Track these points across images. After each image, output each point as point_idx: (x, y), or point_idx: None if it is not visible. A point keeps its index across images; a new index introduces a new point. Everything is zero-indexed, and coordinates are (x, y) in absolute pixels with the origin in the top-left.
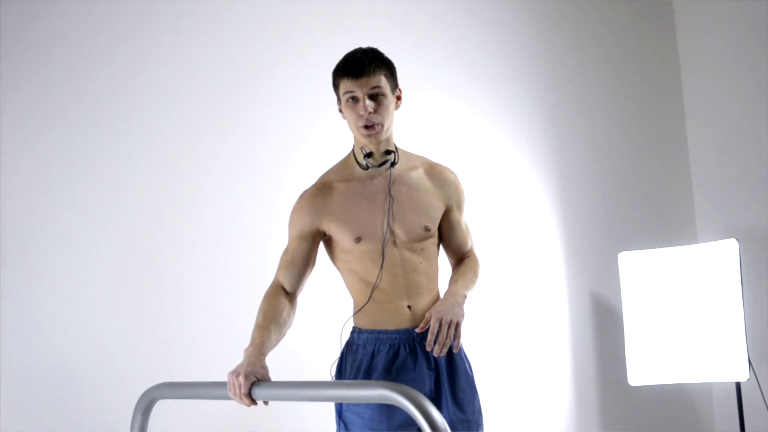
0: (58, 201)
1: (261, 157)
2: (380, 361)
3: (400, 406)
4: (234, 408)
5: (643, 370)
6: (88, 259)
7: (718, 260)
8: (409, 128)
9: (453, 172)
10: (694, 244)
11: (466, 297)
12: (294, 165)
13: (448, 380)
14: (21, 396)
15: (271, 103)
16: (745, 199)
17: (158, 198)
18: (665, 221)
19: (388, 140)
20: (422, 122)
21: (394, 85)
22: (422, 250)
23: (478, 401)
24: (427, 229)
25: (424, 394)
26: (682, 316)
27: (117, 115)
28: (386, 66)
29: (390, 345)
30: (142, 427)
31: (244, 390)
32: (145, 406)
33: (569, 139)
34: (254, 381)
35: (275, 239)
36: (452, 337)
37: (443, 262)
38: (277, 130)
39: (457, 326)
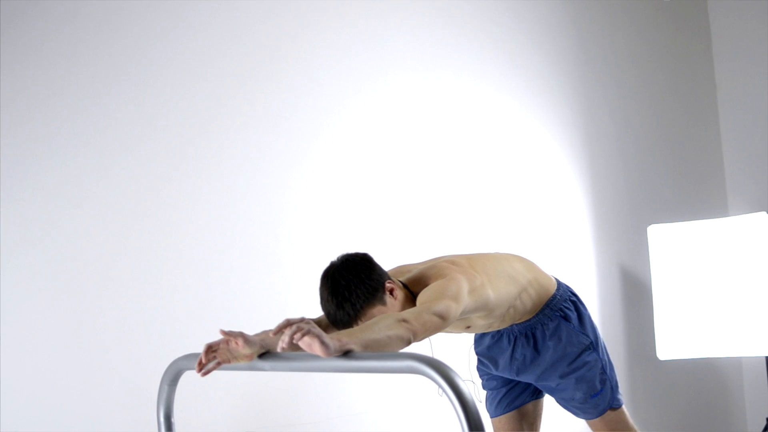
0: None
1: (271, 151)
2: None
3: (428, 377)
4: (257, 380)
5: (672, 343)
6: (115, 228)
7: (748, 233)
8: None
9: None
10: (724, 217)
11: (347, 347)
12: (303, 161)
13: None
14: (44, 369)
15: (281, 100)
16: None
17: (180, 176)
18: (696, 194)
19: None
20: (449, 101)
21: (376, 297)
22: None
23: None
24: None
25: (504, 359)
26: (712, 289)
27: (118, 108)
28: (361, 306)
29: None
30: (169, 398)
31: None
32: (172, 377)
33: (599, 111)
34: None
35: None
36: (295, 337)
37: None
38: (290, 127)
39: (305, 328)
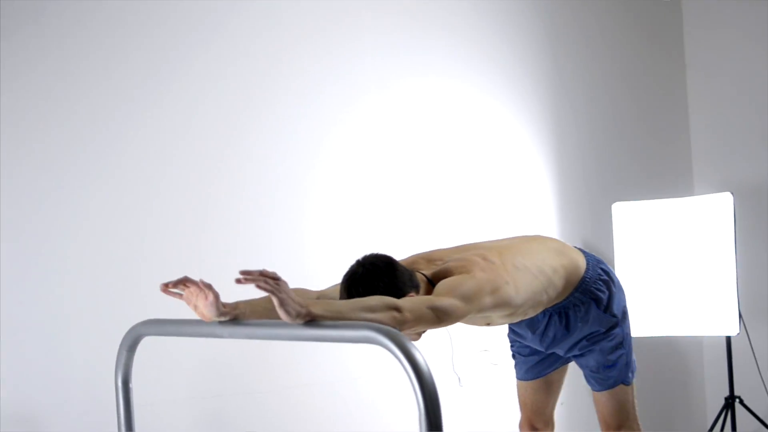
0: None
1: (293, 140)
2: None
3: (383, 347)
4: (217, 348)
5: (634, 322)
6: (79, 198)
7: (712, 213)
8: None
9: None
10: (690, 196)
11: (313, 313)
12: (324, 150)
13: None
14: (13, 332)
15: (302, 91)
16: (742, 153)
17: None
18: (662, 173)
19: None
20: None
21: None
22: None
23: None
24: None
25: (536, 335)
26: (675, 268)
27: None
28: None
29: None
30: (128, 363)
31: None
32: (131, 343)
33: (567, 90)
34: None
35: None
36: (256, 278)
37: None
38: (308, 118)
39: (274, 285)
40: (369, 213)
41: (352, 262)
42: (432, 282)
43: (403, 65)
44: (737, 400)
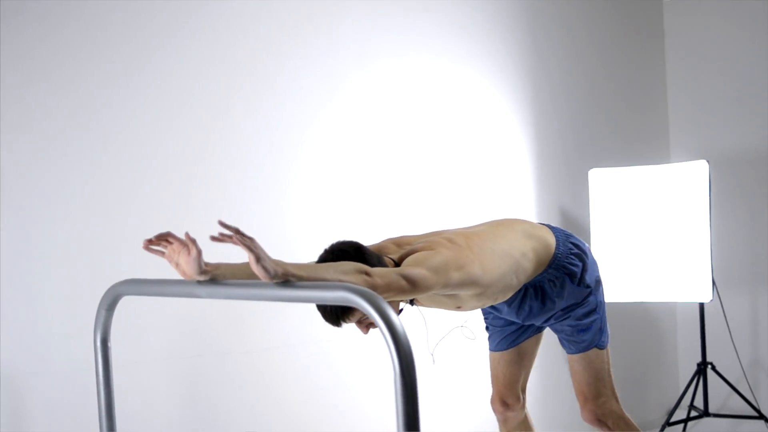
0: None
1: (278, 128)
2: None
3: (358, 307)
4: (195, 309)
5: (608, 287)
6: (66, 153)
7: (687, 181)
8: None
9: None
10: (666, 164)
11: (289, 272)
12: (308, 133)
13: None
14: None
15: (288, 79)
16: (718, 121)
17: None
18: (639, 141)
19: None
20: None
21: None
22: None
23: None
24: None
25: (512, 308)
26: (650, 235)
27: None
28: (350, 311)
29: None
30: (106, 322)
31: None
32: (110, 302)
33: (545, 56)
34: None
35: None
36: (233, 234)
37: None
38: (294, 104)
39: (251, 242)
40: (352, 193)
41: (325, 246)
42: (399, 266)
43: (383, 45)
44: (709, 366)
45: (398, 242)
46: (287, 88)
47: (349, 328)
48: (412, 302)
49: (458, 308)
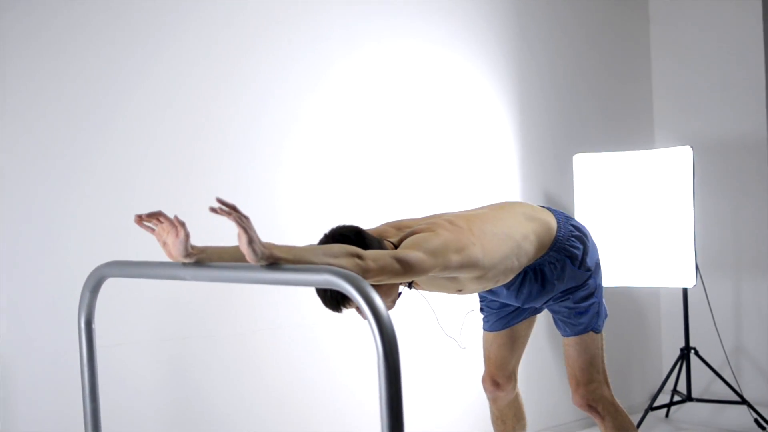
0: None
1: (273, 101)
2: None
3: (344, 291)
4: (179, 291)
5: None
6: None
7: (671, 166)
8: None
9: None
10: (650, 149)
11: (277, 255)
12: (298, 117)
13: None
14: None
15: (282, 57)
16: (703, 108)
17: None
18: (623, 126)
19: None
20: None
21: None
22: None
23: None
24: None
25: (511, 292)
26: (634, 220)
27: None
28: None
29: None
30: (91, 304)
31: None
32: (94, 284)
33: (530, 41)
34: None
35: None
36: (231, 211)
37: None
38: (288, 78)
39: (246, 222)
40: (341, 178)
41: (325, 231)
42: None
43: (371, 30)
44: (692, 351)
45: (398, 225)
46: (274, 75)
47: (349, 313)
48: (410, 285)
49: (459, 291)
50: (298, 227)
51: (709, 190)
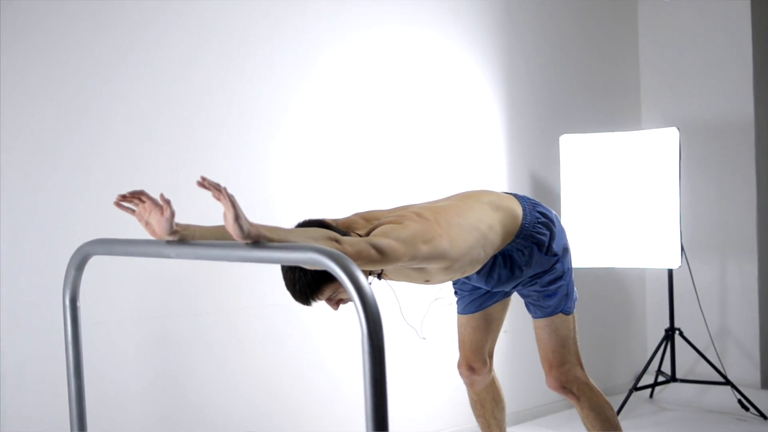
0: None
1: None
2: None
3: (328, 269)
4: (164, 269)
5: (578, 253)
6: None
7: (657, 148)
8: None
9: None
10: (637, 130)
11: (261, 233)
12: (290, 106)
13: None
14: None
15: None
16: (689, 89)
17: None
18: (611, 107)
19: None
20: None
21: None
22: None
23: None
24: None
25: (481, 276)
26: (620, 201)
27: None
28: (317, 285)
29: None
30: (75, 282)
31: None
32: (79, 261)
33: (517, 22)
34: (185, 232)
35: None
36: (216, 189)
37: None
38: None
39: (233, 199)
40: (331, 162)
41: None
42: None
43: (357, 18)
44: (677, 332)
45: (366, 217)
46: (264, 66)
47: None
48: (379, 276)
49: (426, 282)
50: (290, 217)
51: (695, 172)
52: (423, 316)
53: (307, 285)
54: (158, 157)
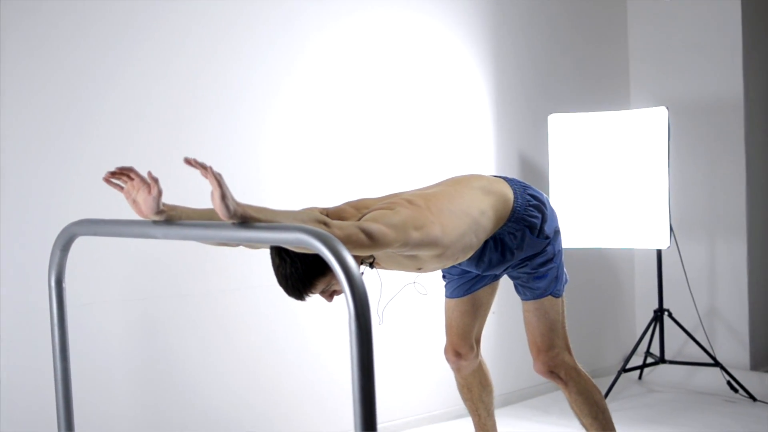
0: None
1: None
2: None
3: (315, 250)
4: (150, 251)
5: (567, 233)
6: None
7: (646, 127)
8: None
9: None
10: (626, 110)
11: (248, 213)
12: (279, 94)
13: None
14: None
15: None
16: (678, 69)
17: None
18: (599, 86)
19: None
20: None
21: (324, 264)
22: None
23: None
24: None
25: (471, 260)
26: (609, 181)
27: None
28: (309, 280)
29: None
30: (61, 263)
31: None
32: (65, 242)
33: (505, 1)
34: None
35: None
36: (203, 167)
37: None
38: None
39: (220, 178)
40: (323, 145)
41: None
42: None
43: (344, 2)
44: (666, 313)
45: (357, 205)
46: (254, 53)
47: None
48: (371, 265)
49: (419, 270)
50: (280, 201)
51: (684, 152)
52: (390, 298)
53: (299, 280)
54: (148, 139)
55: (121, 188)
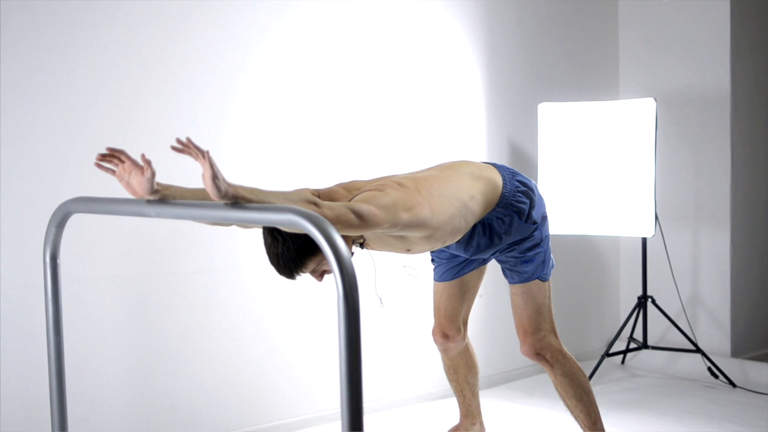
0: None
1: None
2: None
3: (305, 230)
4: (144, 229)
5: (554, 220)
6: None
7: (634, 117)
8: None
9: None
10: (615, 100)
11: (240, 194)
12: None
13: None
14: None
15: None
16: (667, 60)
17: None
18: (589, 76)
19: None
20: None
21: (315, 245)
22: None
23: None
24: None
25: (460, 244)
26: (596, 170)
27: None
28: (302, 263)
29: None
30: (56, 239)
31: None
32: (60, 219)
33: None
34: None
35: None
36: (191, 147)
37: None
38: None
39: (210, 161)
40: (300, 127)
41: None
42: None
43: None
44: (649, 299)
45: (348, 187)
46: (223, 25)
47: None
48: (362, 245)
49: (408, 251)
50: (268, 184)
51: (671, 142)
52: (386, 281)
53: (290, 259)
54: (145, 117)
55: (113, 171)
